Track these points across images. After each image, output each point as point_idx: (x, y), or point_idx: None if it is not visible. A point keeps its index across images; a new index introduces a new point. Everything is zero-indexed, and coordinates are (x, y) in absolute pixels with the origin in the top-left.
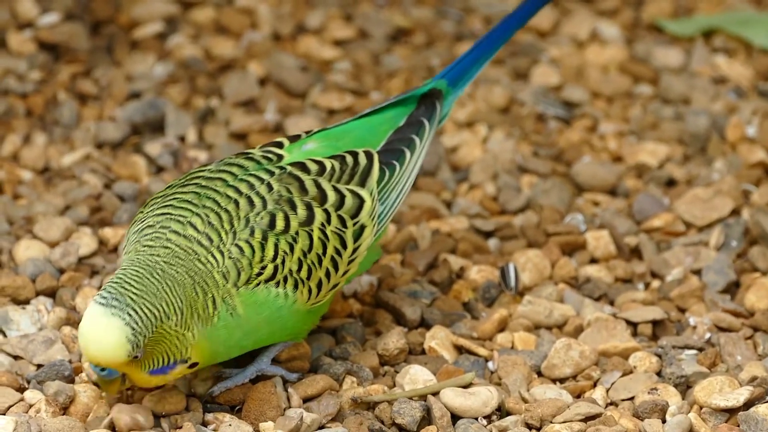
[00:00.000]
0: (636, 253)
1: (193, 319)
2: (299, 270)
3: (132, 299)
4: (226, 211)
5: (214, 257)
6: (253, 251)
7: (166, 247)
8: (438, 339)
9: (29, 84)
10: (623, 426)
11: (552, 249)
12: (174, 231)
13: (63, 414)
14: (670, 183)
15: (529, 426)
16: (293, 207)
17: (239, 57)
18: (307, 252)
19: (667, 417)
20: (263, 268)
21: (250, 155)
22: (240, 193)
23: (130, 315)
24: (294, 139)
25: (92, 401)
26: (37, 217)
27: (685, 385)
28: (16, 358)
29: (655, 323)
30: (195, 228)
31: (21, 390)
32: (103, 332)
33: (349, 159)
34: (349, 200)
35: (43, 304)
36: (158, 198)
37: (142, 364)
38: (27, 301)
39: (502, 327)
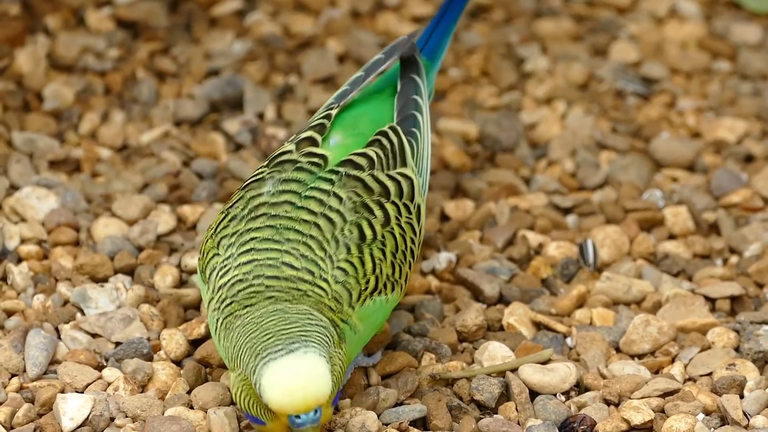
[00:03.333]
0: (714, 228)
1: (336, 347)
2: (393, 272)
3: (307, 333)
4: (312, 237)
5: (321, 288)
6: (356, 268)
7: (270, 297)
8: (516, 315)
9: (108, 62)
10: (701, 401)
11: (630, 225)
12: (271, 277)
13: (141, 392)
14: (749, 159)
15: (607, 402)
16: (370, 210)
17: (318, 34)
18: (395, 252)
19: (745, 392)
20: (368, 282)
21: (298, 164)
22: (314, 213)
23: (316, 346)
24: (320, 130)
25: (170, 379)
26: (116, 194)
27: (763, 361)
28: (94, 336)
29: (733, 299)
30: (291, 266)
31: (99, 368)
32: (308, 372)
33: (385, 142)
34: (404, 185)
35: (121, 281)
36: (227, 236)
37: (329, 399)
38: (105, 279)
39: (581, 303)
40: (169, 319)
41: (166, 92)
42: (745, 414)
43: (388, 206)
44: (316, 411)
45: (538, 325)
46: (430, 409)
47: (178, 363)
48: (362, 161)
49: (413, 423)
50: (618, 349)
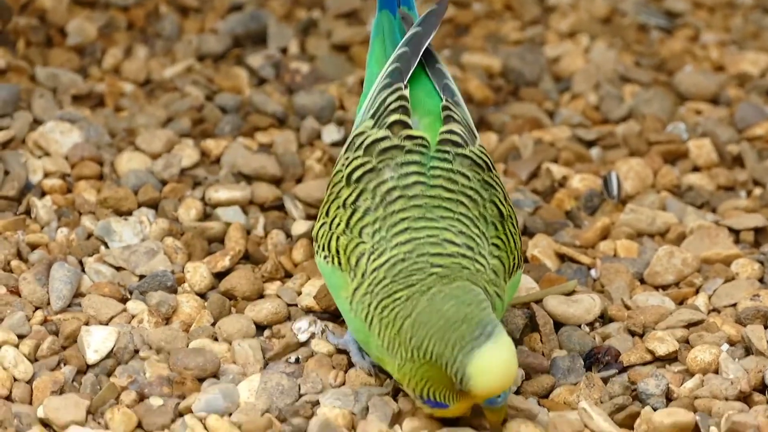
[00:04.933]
0: (738, 161)
1: None
2: (520, 245)
3: (490, 313)
4: (462, 214)
5: (480, 263)
6: (505, 244)
7: (432, 275)
8: (540, 247)
9: None
10: (725, 332)
11: (654, 158)
12: (435, 254)
13: (165, 324)
14: None
15: (631, 332)
16: (493, 187)
17: None
18: (516, 225)
19: None
20: (514, 258)
21: (406, 148)
22: (452, 191)
23: (502, 325)
24: (406, 112)
25: (195, 311)
26: (139, 129)
27: None
28: (118, 269)
29: (757, 230)
30: (453, 243)
31: (123, 301)
32: (509, 353)
33: (457, 117)
34: (488, 157)
35: (145, 215)
36: (368, 225)
37: None
38: (129, 213)
39: (605, 235)
40: (193, 252)
41: (189, 27)
42: None
43: (497, 181)
44: (510, 388)
45: (563, 257)
46: None
47: (202, 295)
48: (458, 139)
49: None
50: (642, 281)
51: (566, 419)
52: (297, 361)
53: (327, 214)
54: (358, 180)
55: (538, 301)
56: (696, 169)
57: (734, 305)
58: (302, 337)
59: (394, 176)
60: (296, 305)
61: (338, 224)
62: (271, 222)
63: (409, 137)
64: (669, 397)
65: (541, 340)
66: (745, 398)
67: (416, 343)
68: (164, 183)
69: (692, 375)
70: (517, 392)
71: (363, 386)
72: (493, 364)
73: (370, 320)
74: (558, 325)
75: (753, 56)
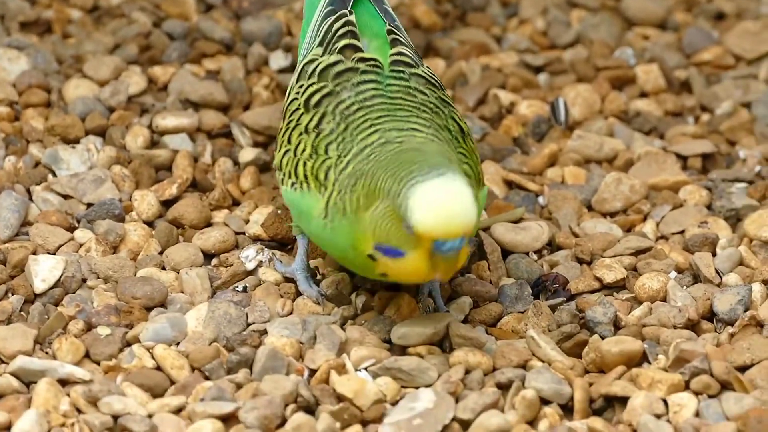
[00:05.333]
0: (686, 86)
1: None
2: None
3: (452, 163)
4: (427, 119)
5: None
6: (470, 157)
7: (414, 137)
8: (488, 174)
9: None
10: (673, 259)
11: (601, 83)
12: (401, 140)
13: (113, 253)
14: (720, 16)
15: (579, 260)
16: (449, 104)
17: None
18: (474, 143)
19: (718, 250)
20: (479, 173)
21: (360, 69)
22: (413, 104)
23: (462, 175)
24: (355, 36)
25: (142, 240)
26: (87, 56)
27: (735, 218)
28: (65, 197)
29: (705, 156)
30: (419, 131)
31: (71, 229)
32: (458, 195)
33: (403, 40)
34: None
35: (92, 143)
36: (333, 141)
37: (474, 229)
38: (77, 140)
39: (552, 162)
40: (140, 180)
41: None
42: (717, 272)
43: (451, 100)
44: (462, 239)
45: (510, 184)
46: None
47: (149, 224)
48: (409, 60)
49: (383, 283)
50: (590, 208)
51: (514, 348)
52: (244, 289)
53: (289, 141)
54: (318, 104)
55: (486, 229)
56: (643, 94)
57: (682, 232)
58: (250, 266)
59: (351, 95)
60: (244, 233)
61: (303, 149)
62: (219, 149)
63: (362, 60)
64: (617, 325)
65: (488, 268)
66: (693, 326)
67: (372, 185)
68: (112, 110)
69: (640, 303)
70: (465, 321)
71: (311, 315)
72: (437, 198)
73: (343, 208)
74: (506, 252)
75: None
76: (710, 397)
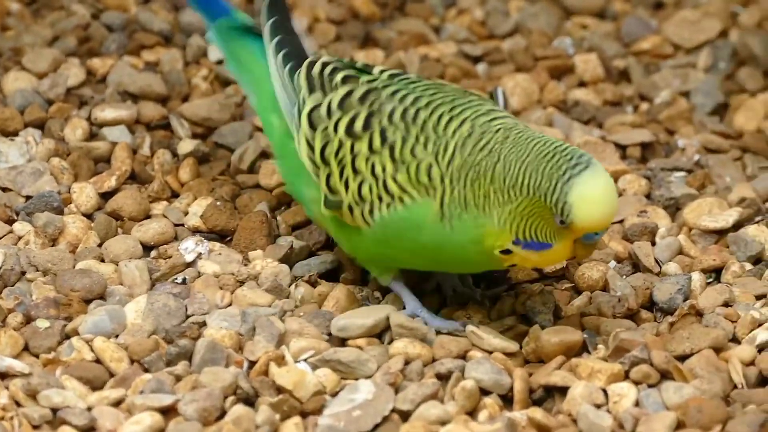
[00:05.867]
0: (624, 75)
1: None
2: None
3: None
4: (478, 98)
5: None
6: None
7: (499, 130)
8: None
9: None
10: (613, 249)
11: (540, 73)
12: (490, 120)
13: (52, 245)
14: (659, 5)
15: None
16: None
17: None
18: None
19: (657, 239)
20: None
21: (381, 86)
22: (449, 91)
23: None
24: (343, 67)
25: (81, 232)
26: (25, 48)
27: (674, 207)
28: (4, 189)
29: (644, 145)
30: (498, 111)
31: (10, 222)
32: (612, 189)
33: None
34: None
35: (31, 135)
36: (414, 144)
37: None
38: (15, 133)
39: None
40: (79, 172)
41: None
42: (656, 261)
43: None
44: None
45: None
46: (342, 261)
47: (88, 216)
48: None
49: (323, 275)
50: None
51: (454, 339)
52: (184, 281)
53: (356, 171)
54: (366, 126)
55: None
56: (582, 84)
57: (621, 221)
58: (189, 258)
59: (396, 104)
60: (183, 225)
61: (383, 168)
62: (158, 141)
63: (370, 81)
64: (557, 315)
65: None
66: (632, 316)
67: (511, 181)
68: (50, 103)
69: (580, 293)
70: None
71: (250, 307)
72: (595, 192)
73: (465, 203)
74: None
75: None
76: (650, 386)
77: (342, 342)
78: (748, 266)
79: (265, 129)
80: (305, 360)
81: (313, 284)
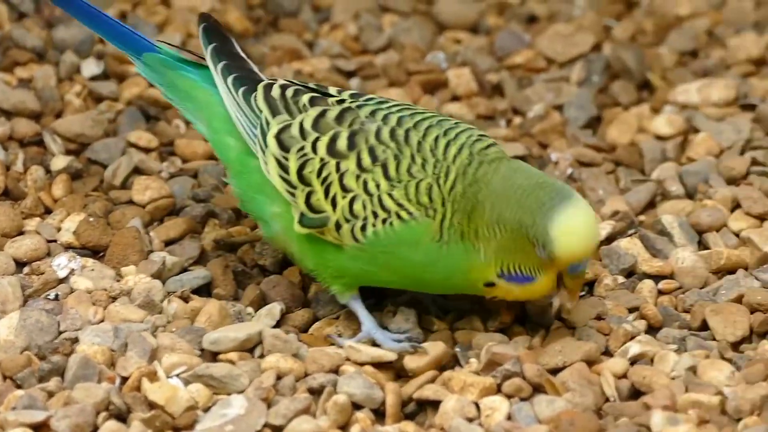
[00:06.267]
0: (497, 89)
1: None
2: None
3: (551, 177)
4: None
5: None
6: None
7: (493, 160)
8: None
9: None
10: None
11: (414, 87)
12: (483, 149)
13: None
14: (532, 19)
15: None
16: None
17: None
18: None
19: None
20: None
21: (356, 105)
22: (422, 112)
23: (578, 194)
24: (306, 90)
25: None
26: None
27: None
28: None
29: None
30: (483, 135)
31: None
32: (592, 220)
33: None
34: None
35: None
36: (411, 163)
37: None
38: None
39: None
40: None
41: None
42: None
43: None
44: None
45: None
46: (215, 276)
47: None
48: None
49: (196, 290)
50: None
51: (326, 353)
52: (56, 297)
53: (346, 190)
54: (352, 146)
55: None
56: (456, 98)
57: None
58: (61, 274)
59: (380, 124)
60: (56, 241)
61: (377, 185)
62: (31, 158)
63: (340, 101)
64: (429, 330)
65: (300, 273)
66: (505, 329)
67: (496, 217)
68: None
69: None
70: (277, 326)
71: (122, 323)
72: (574, 224)
73: (461, 233)
74: None
75: None
76: (522, 399)
77: (214, 357)
78: (621, 279)
79: (218, 151)
80: (177, 375)
81: (185, 300)
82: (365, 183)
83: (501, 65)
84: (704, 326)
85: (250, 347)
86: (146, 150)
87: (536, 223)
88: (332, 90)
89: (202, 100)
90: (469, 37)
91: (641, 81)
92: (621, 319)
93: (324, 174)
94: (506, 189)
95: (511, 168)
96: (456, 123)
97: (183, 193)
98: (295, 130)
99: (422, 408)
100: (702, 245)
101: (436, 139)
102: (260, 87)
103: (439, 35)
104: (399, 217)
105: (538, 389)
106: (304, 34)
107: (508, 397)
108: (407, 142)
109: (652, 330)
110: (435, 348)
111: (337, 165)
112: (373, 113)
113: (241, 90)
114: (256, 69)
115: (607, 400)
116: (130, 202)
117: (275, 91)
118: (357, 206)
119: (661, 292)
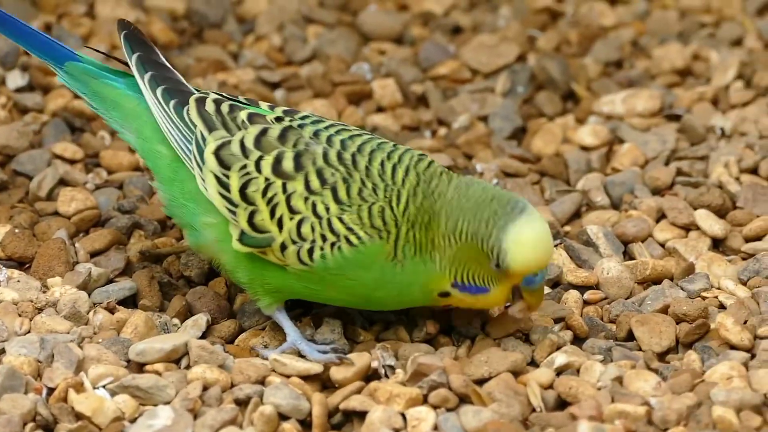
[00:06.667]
0: (422, 100)
1: None
2: None
3: (503, 191)
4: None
5: None
6: None
7: (441, 174)
8: None
9: None
10: None
11: (338, 98)
12: (426, 167)
13: None
14: (456, 30)
15: None
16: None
17: None
18: None
19: None
20: None
21: (295, 125)
22: (355, 131)
23: (531, 206)
24: (243, 105)
25: None
26: None
27: None
28: None
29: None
30: (423, 155)
31: None
32: (546, 232)
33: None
34: None
35: None
36: (361, 187)
37: None
38: None
39: None
40: None
41: None
42: None
43: None
44: (546, 269)
45: None
46: (141, 287)
47: None
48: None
49: (122, 301)
50: None
51: (252, 364)
52: None
53: (293, 211)
54: (298, 167)
55: None
56: (380, 109)
57: None
58: None
59: (325, 146)
60: None
61: (326, 207)
62: None
63: (278, 118)
64: (356, 341)
65: (226, 284)
66: (431, 340)
67: (451, 227)
68: None
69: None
70: (203, 337)
71: (49, 333)
72: (528, 236)
73: (418, 247)
74: None
75: None
76: (448, 410)
77: (140, 368)
78: (547, 290)
79: (147, 158)
80: (104, 386)
81: (111, 311)
82: (314, 205)
83: (426, 76)
84: (630, 336)
85: (177, 358)
86: (71, 161)
87: (490, 234)
88: (263, 105)
89: (129, 109)
90: (394, 48)
91: (566, 91)
92: (547, 329)
93: (269, 194)
94: (461, 200)
95: (464, 181)
96: (394, 145)
97: (108, 204)
98: (235, 148)
99: (349, 419)
100: (627, 255)
101: (382, 163)
102: (192, 101)
103: (364, 46)
104: (348, 241)
105: (464, 400)
106: (228, 45)
107: (435, 407)
108: (355, 166)
109: (578, 340)
110: (360, 359)
111: (284, 186)
112: (316, 134)
113: (171, 103)
114: (182, 79)
115: (533, 410)
116: (56, 213)
117: (209, 106)
118: (305, 228)
119: (586, 303)
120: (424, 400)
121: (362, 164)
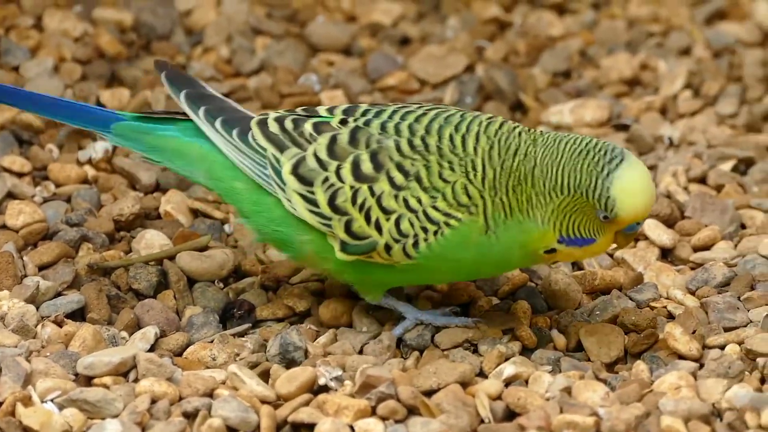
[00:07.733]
0: None
1: None
2: None
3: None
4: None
5: None
6: None
7: (520, 133)
8: (174, 203)
9: None
10: None
11: None
12: (498, 128)
13: None
14: (404, 41)
15: (266, 288)
16: None
17: None
18: None
19: None
20: None
21: (358, 125)
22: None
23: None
24: (307, 114)
25: None
26: None
27: None
28: None
29: None
30: (494, 119)
31: None
32: (649, 178)
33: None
34: None
35: None
36: (441, 168)
37: None
38: None
39: None
40: None
41: None
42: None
43: None
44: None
45: (196, 213)
46: (89, 300)
47: None
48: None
49: (70, 315)
50: None
51: (200, 377)
52: None
53: (386, 211)
54: (378, 167)
55: (172, 258)
56: None
57: None
58: None
59: (396, 137)
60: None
61: (418, 200)
62: None
63: (343, 121)
64: (306, 353)
65: (174, 297)
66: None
67: (551, 183)
68: None
69: (327, 329)
70: (151, 350)
71: None
72: (635, 184)
73: (509, 210)
74: (192, 281)
75: (385, 6)
76: (397, 422)
77: (88, 381)
78: (495, 300)
79: (225, 197)
80: (52, 400)
81: (59, 324)
82: (405, 200)
83: (374, 87)
84: (579, 347)
85: (125, 371)
86: (19, 174)
87: (597, 185)
88: (322, 110)
89: (191, 155)
90: (342, 60)
91: (514, 102)
92: (495, 340)
93: (359, 200)
94: (555, 155)
95: (551, 136)
96: (461, 115)
97: (56, 217)
98: (311, 162)
99: (297, 431)
100: (576, 266)
101: (451, 138)
102: (254, 125)
103: (312, 57)
104: (448, 225)
105: (412, 411)
106: (176, 57)
107: (383, 419)
108: (428, 150)
109: (526, 351)
110: (304, 372)
111: (371, 189)
112: (383, 127)
113: (234, 132)
114: (235, 105)
115: (482, 421)
116: (4, 226)
117: (273, 126)
118: (404, 225)
119: (535, 313)
120: (373, 412)
121: (433, 145)
